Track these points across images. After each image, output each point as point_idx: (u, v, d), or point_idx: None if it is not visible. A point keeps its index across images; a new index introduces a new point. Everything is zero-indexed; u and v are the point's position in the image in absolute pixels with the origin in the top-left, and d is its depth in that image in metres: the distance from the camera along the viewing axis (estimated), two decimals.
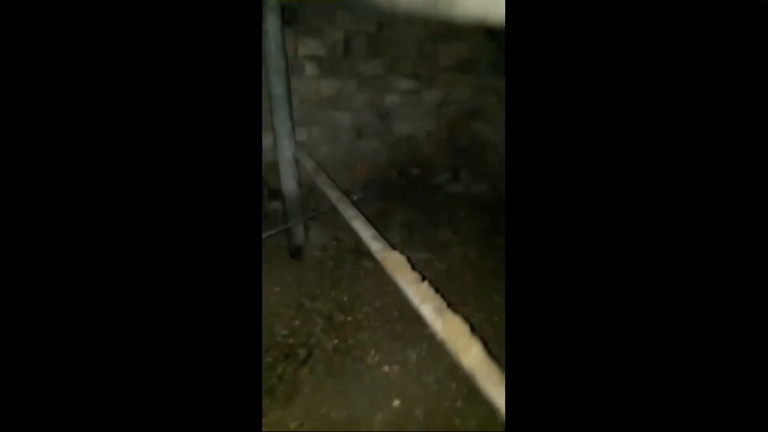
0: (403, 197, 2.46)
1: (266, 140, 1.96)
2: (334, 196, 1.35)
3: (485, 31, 2.26)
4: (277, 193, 1.94)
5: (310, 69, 1.92)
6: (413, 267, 0.94)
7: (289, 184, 1.77)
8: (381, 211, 2.33)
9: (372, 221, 1.19)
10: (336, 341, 1.59)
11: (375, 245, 1.05)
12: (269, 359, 1.50)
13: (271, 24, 1.41)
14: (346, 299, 1.78)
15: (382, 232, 1.14)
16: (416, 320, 1.81)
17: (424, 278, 0.90)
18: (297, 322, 1.66)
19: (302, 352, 1.55)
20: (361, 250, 2.07)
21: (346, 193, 1.42)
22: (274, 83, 1.52)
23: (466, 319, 0.82)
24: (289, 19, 1.75)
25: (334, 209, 1.34)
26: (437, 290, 0.88)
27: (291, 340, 1.59)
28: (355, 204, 1.28)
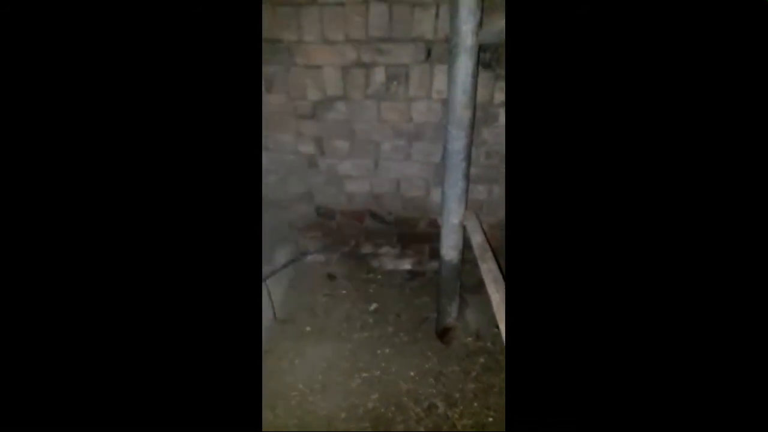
0: None
1: (435, 197, 1.72)
2: (490, 280, 0.97)
3: None
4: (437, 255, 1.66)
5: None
6: None
7: (449, 252, 1.46)
8: None
9: None
10: None
11: None
12: None
13: (461, 68, 1.14)
14: (491, 420, 1.33)
15: None
16: None
17: None
18: (422, 429, 1.32)
19: None
20: None
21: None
22: (453, 137, 1.26)
23: None
24: (489, 60, 1.46)
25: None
26: None
27: None
28: None
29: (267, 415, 1.30)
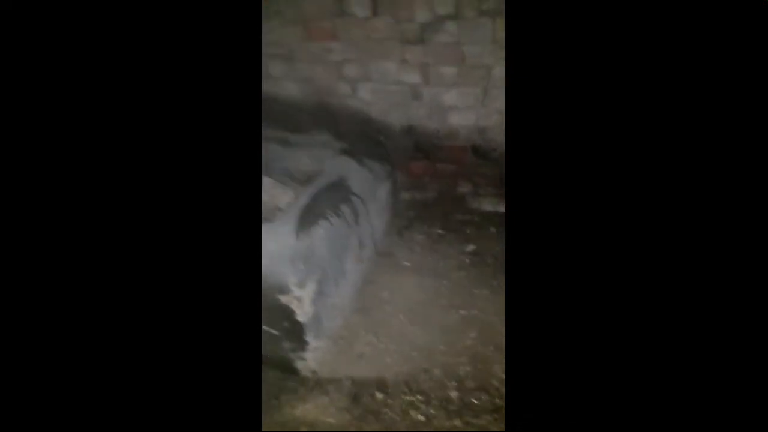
0: None
1: None
2: None
3: None
4: None
5: None
6: None
7: None
8: None
9: None
10: None
11: None
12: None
13: None
14: None
15: None
16: None
17: None
18: None
19: None
20: None
21: None
22: None
23: None
24: None
25: None
26: None
27: None
28: None
29: (370, 339, 1.38)
